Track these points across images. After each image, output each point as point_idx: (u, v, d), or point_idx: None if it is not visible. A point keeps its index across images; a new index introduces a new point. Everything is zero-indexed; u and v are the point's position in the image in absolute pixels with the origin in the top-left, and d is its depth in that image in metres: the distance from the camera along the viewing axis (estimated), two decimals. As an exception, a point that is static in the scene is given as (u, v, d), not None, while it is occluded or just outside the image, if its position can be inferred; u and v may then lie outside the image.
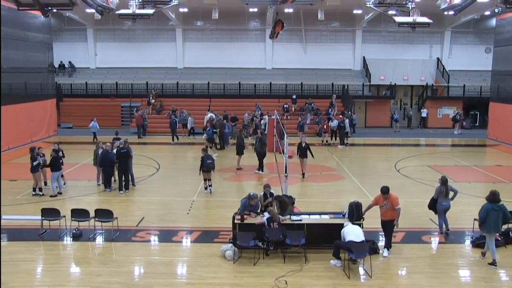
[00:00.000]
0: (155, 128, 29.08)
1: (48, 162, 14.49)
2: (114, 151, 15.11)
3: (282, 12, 30.07)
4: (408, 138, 28.83)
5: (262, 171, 18.11)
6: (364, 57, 35.98)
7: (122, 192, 14.80)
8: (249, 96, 32.21)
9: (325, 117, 28.57)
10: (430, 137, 29.58)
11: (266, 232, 9.71)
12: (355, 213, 10.01)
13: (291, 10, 31.75)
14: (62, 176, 15.37)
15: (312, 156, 17.27)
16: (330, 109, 29.97)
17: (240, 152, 18.88)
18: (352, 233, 9.14)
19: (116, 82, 32.99)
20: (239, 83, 33.06)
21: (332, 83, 33.18)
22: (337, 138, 25.58)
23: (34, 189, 14.46)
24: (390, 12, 24.78)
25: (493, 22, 30.06)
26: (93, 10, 23.55)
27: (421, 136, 29.81)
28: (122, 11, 22.90)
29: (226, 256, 9.69)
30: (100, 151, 15.36)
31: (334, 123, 25.66)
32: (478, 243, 10.27)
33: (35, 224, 11.34)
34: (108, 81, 33.39)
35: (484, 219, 9.49)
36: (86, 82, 33.04)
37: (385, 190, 9.81)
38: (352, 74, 35.81)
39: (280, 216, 10.09)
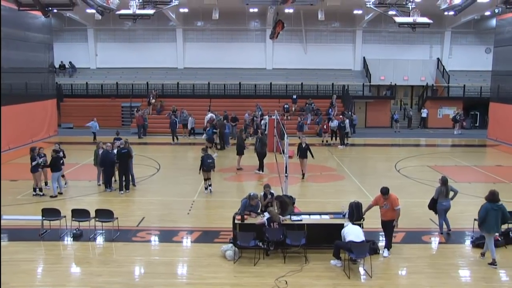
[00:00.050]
0: (156, 128, 29.09)
1: (48, 162, 14.50)
2: (115, 151, 15.13)
3: (282, 12, 30.10)
4: (408, 138, 28.84)
5: (263, 171, 18.12)
6: (364, 57, 35.99)
7: (122, 192, 14.81)
8: (250, 97, 32.23)
9: (325, 117, 28.58)
10: (430, 137, 29.58)
11: (266, 232, 9.72)
12: (355, 213, 10.02)
13: (291, 11, 31.75)
14: (63, 176, 15.41)
15: (312, 156, 17.27)
16: (330, 109, 29.98)
17: (240, 152, 18.90)
18: (352, 233, 9.15)
19: (117, 82, 33.00)
20: (240, 83, 33.08)
21: (332, 83, 33.19)
22: (337, 138, 25.60)
23: (34, 189, 14.47)
24: (390, 12, 24.77)
25: (493, 22, 30.08)
26: (93, 11, 23.55)
27: (421, 136, 29.82)
28: (123, 11, 22.89)
29: (226, 256, 9.70)
30: (100, 151, 15.38)
31: (334, 123, 25.68)
32: (478, 243, 10.27)
33: (35, 224, 11.35)
34: (109, 81, 33.43)
35: (484, 219, 9.50)
36: (86, 83, 33.07)
37: (385, 191, 9.81)
38: (352, 74, 35.82)
39: (281, 216, 10.11)
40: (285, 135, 14.33)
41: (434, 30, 33.45)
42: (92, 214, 11.00)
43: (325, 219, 10.46)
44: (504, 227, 10.47)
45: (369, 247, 9.18)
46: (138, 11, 22.60)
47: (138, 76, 34.57)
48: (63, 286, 8.62)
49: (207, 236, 11.09)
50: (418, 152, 24.39)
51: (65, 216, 11.09)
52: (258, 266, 9.37)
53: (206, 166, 14.71)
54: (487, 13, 29.75)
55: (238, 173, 18.32)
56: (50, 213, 11.11)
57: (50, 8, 22.38)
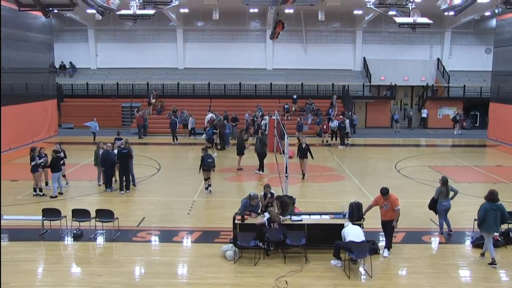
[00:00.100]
0: (156, 128, 29.11)
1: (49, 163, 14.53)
2: (115, 151, 15.14)
3: (282, 12, 30.13)
4: (408, 138, 28.85)
5: (263, 171, 18.13)
6: (364, 57, 36.00)
7: (123, 192, 14.82)
8: (250, 97, 32.25)
9: (325, 118, 28.59)
10: (430, 138, 29.59)
11: (266, 232, 9.73)
12: (356, 214, 10.03)
13: (291, 11, 31.79)
14: (64, 176, 15.43)
15: (312, 157, 17.24)
16: (330, 110, 29.99)
17: (240, 152, 18.90)
18: (353, 233, 9.15)
19: (117, 83, 33.02)
20: (240, 83, 33.09)
21: (333, 84, 33.19)
22: (338, 138, 25.61)
23: (34, 190, 14.49)
24: (391, 12, 24.77)
25: (493, 22, 30.09)
26: (94, 11, 23.56)
27: (421, 137, 29.83)
28: (123, 11, 22.92)
29: (226, 256, 9.71)
30: (101, 151, 15.39)
31: (334, 124, 25.68)
32: (478, 243, 10.27)
33: (36, 224, 11.36)
34: (109, 81, 33.45)
35: (483, 219, 9.51)
36: (87, 83, 33.09)
37: (384, 191, 9.82)
38: (352, 75, 35.84)
39: (281, 217, 10.12)
40: (285, 135, 14.34)
41: (434, 30, 33.47)
42: (93, 214, 11.01)
43: (325, 219, 10.47)
44: (504, 227, 10.48)
45: (369, 247, 9.18)
46: (139, 12, 22.63)
47: (138, 76, 34.59)
48: (64, 286, 8.63)
49: (207, 236, 11.10)
50: (418, 152, 24.39)
51: (65, 216, 11.10)
52: (258, 266, 9.38)
53: (206, 165, 14.72)
54: (487, 13, 29.78)
55: (238, 173, 18.33)
56: (51, 213, 11.12)
57: (51, 9, 22.39)
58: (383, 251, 9.97)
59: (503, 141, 26.15)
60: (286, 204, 10.61)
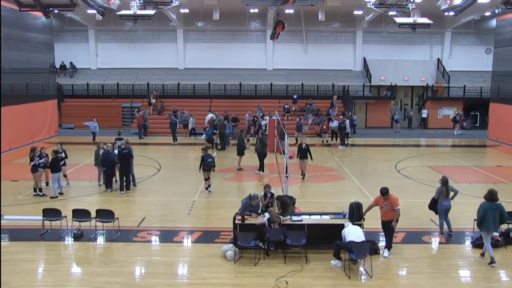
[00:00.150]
0: (156, 128, 29.13)
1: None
2: (116, 151, 15.15)
3: (282, 13, 30.11)
4: (409, 138, 28.86)
5: (263, 171, 18.13)
6: (364, 57, 36.01)
7: (123, 192, 14.83)
8: (250, 97, 32.27)
9: (325, 118, 28.60)
10: (430, 138, 29.59)
11: (266, 233, 9.74)
12: (356, 214, 10.04)
13: (291, 11, 31.80)
14: (65, 176, 15.45)
15: (311, 158, 17.19)
16: (330, 110, 30.00)
17: (240, 152, 18.91)
18: (353, 233, 9.16)
19: (117, 83, 33.03)
20: (240, 83, 33.10)
21: (333, 84, 33.20)
22: (338, 138, 25.62)
23: (35, 190, 14.50)
24: (391, 13, 24.76)
25: (494, 23, 30.09)
26: (94, 11, 23.57)
27: (421, 137, 29.83)
28: (123, 12, 22.91)
29: (226, 256, 9.71)
30: (101, 151, 15.39)
31: (334, 124, 25.69)
32: (478, 243, 10.27)
33: (36, 224, 11.36)
34: (109, 81, 33.47)
35: (483, 218, 9.52)
36: (87, 83, 33.10)
37: (384, 192, 9.82)
38: (352, 75, 35.85)
39: (281, 217, 10.13)
40: (286, 136, 14.35)
41: (434, 30, 33.47)
42: (93, 214, 11.02)
43: (326, 219, 10.48)
44: (504, 227, 10.49)
45: (369, 247, 9.19)
46: (139, 12, 22.61)
47: (138, 76, 34.61)
48: (64, 286, 8.64)
49: (207, 236, 11.11)
50: (418, 152, 24.39)
51: (65, 216, 11.10)
52: (258, 266, 9.39)
53: (206, 165, 14.73)
54: (487, 13, 29.79)
55: (239, 174, 18.34)
56: (51, 213, 11.13)
57: (51, 9, 22.41)
58: (383, 251, 9.98)
59: (503, 141, 26.15)
60: (287, 204, 10.61)
